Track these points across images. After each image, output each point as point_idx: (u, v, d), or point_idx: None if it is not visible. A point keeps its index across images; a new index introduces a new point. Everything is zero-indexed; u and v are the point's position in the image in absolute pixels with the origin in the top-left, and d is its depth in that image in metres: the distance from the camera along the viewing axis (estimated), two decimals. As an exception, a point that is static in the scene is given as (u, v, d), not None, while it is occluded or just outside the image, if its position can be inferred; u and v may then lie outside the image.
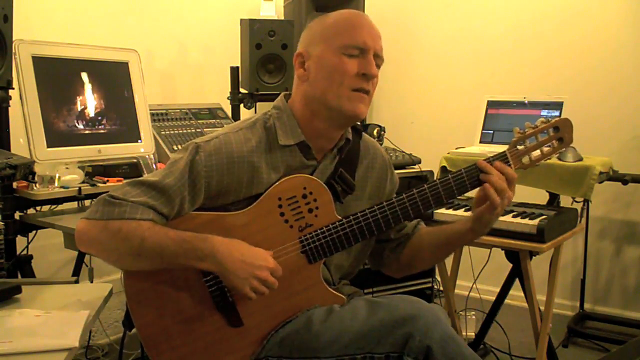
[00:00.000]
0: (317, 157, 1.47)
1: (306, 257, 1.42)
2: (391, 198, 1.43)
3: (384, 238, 1.60)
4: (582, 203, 2.42)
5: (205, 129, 2.77)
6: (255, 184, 1.40)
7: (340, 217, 1.43)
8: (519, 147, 1.47)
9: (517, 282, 2.38)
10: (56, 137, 2.20)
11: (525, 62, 3.39)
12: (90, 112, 2.35)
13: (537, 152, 1.49)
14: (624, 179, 2.65)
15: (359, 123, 1.54)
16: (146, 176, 1.39)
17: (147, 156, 2.45)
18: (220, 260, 1.31)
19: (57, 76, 2.26)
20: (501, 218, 2.13)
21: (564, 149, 1.52)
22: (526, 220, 2.09)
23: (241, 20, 3.08)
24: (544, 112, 2.52)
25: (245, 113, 3.24)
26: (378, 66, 1.41)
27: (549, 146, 1.49)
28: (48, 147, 2.15)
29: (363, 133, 1.59)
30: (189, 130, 2.73)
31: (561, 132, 1.49)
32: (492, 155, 1.47)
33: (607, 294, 3.24)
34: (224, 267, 1.31)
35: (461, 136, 2.80)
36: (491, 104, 2.67)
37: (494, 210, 1.40)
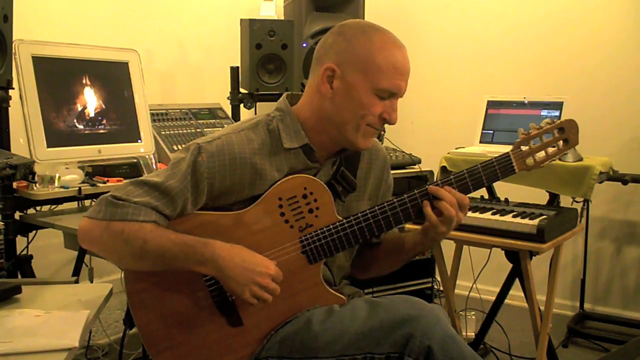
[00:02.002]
0: (321, 160, 1.47)
1: (306, 257, 1.41)
2: (391, 198, 1.43)
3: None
4: (582, 203, 2.42)
5: (205, 129, 2.77)
6: (258, 184, 1.39)
7: (340, 218, 1.42)
8: (523, 148, 1.45)
9: (517, 282, 2.38)
10: (56, 137, 2.20)
11: (525, 62, 3.39)
12: (90, 112, 2.35)
13: (541, 154, 1.47)
14: (624, 179, 2.65)
15: None
16: (149, 176, 1.38)
17: (147, 156, 2.45)
18: (221, 265, 1.31)
19: (57, 76, 2.26)
20: (501, 218, 2.13)
21: (569, 151, 1.51)
22: (526, 220, 2.09)
23: (241, 20, 3.08)
24: (544, 112, 2.51)
25: (245, 113, 3.24)
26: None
27: (554, 147, 1.48)
28: (48, 147, 2.16)
29: None
30: (189, 130, 2.73)
31: (566, 133, 1.48)
32: (495, 157, 1.46)
33: (607, 294, 3.24)
34: (224, 272, 1.31)
35: (461, 136, 2.80)
36: (491, 104, 2.67)
37: (437, 229, 1.40)
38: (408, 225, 2.19)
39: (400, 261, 1.58)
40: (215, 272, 1.33)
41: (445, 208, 1.37)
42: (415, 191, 1.42)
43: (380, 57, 1.35)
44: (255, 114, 3.17)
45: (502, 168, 1.44)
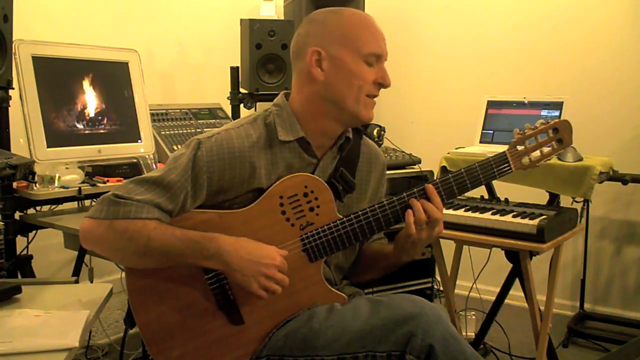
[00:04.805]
0: (318, 155, 1.47)
1: (307, 255, 1.42)
2: (391, 197, 1.43)
3: None
4: (582, 203, 2.42)
5: (205, 129, 2.77)
6: (256, 178, 1.40)
7: (341, 216, 1.43)
8: (519, 148, 1.48)
9: (517, 282, 2.38)
10: (56, 137, 2.20)
11: (525, 62, 3.39)
12: (90, 112, 2.35)
13: (536, 153, 1.50)
14: (624, 179, 2.65)
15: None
16: (149, 173, 1.39)
17: (147, 156, 2.45)
18: (227, 259, 1.31)
19: (57, 76, 2.26)
20: (501, 218, 2.13)
21: (563, 150, 1.53)
22: (526, 220, 2.09)
23: (241, 20, 3.08)
24: (544, 112, 2.52)
25: (245, 113, 3.23)
26: None
27: (549, 147, 1.51)
28: (48, 147, 2.16)
29: (363, 135, 1.59)
30: (189, 130, 2.73)
31: (560, 134, 1.51)
32: (492, 155, 1.47)
33: (607, 294, 3.24)
34: (230, 266, 1.32)
35: (461, 136, 2.80)
36: (491, 104, 2.67)
37: (409, 239, 1.40)
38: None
39: (375, 273, 1.60)
40: (221, 266, 1.33)
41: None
42: (415, 190, 1.42)
43: (354, 26, 1.41)
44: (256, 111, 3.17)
45: (499, 167, 1.47)
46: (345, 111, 1.41)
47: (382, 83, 1.42)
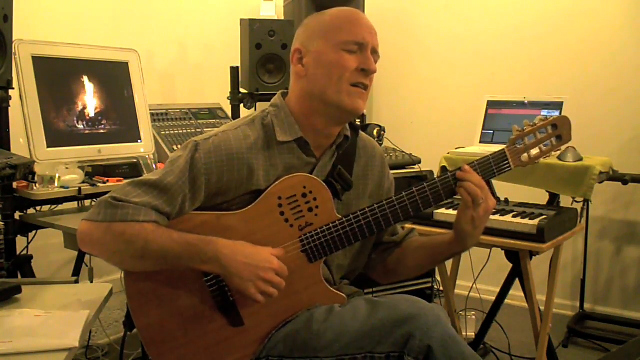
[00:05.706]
0: (316, 154, 1.47)
1: (306, 256, 1.42)
2: (390, 196, 1.43)
3: (375, 241, 1.61)
4: (582, 203, 2.42)
5: (205, 129, 2.77)
6: (254, 180, 1.40)
7: (340, 216, 1.43)
8: (518, 145, 1.48)
9: (517, 282, 2.38)
10: (56, 137, 2.20)
11: (525, 62, 3.39)
12: (90, 112, 2.35)
13: (536, 150, 1.49)
14: (624, 179, 2.65)
15: (358, 121, 1.55)
16: (147, 175, 1.39)
17: (147, 156, 2.45)
18: (224, 263, 1.31)
19: (57, 76, 2.26)
20: (501, 218, 2.14)
21: (562, 147, 1.52)
22: (526, 220, 2.09)
23: (241, 20, 3.08)
24: (544, 112, 2.52)
25: (245, 113, 3.23)
26: (375, 62, 1.43)
27: (548, 144, 1.50)
28: (48, 147, 2.16)
29: (360, 131, 1.59)
30: (189, 130, 2.73)
31: (559, 130, 1.50)
32: (490, 154, 1.47)
33: (607, 294, 3.24)
34: (227, 269, 1.32)
35: (461, 136, 2.80)
36: (491, 104, 2.67)
37: (469, 219, 1.40)
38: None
39: (435, 263, 1.63)
40: (219, 270, 1.33)
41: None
42: (414, 188, 1.42)
43: (333, 19, 1.42)
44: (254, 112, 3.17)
45: (498, 165, 1.47)
46: (330, 104, 1.39)
47: (365, 69, 1.39)
